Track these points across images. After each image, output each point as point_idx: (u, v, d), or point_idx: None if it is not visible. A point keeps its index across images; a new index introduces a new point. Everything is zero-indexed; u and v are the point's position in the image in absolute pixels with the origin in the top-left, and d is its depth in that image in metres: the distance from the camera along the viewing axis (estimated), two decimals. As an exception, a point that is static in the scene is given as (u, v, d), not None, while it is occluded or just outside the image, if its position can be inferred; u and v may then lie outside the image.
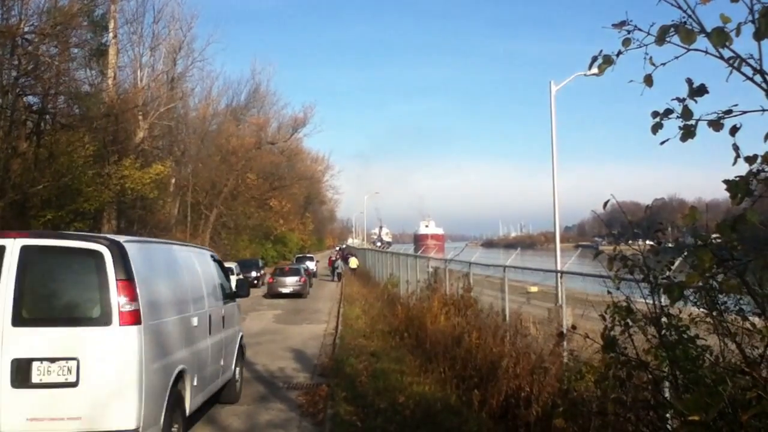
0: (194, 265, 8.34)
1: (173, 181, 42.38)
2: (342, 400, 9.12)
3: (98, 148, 26.80)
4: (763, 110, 2.58)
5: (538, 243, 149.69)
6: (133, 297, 5.83)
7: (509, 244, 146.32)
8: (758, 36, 2.46)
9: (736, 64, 2.57)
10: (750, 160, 2.67)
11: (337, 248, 73.56)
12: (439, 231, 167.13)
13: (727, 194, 2.65)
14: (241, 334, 10.38)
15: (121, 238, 6.25)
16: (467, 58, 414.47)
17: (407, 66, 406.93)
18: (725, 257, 2.81)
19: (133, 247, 6.21)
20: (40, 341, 5.65)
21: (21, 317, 5.71)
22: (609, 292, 3.86)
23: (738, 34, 2.51)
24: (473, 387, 8.59)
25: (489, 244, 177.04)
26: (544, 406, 7.07)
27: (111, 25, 31.68)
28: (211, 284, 8.78)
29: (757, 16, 2.43)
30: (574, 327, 4.99)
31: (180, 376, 6.75)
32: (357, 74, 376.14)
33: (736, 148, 2.71)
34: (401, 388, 9.41)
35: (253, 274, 34.22)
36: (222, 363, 8.75)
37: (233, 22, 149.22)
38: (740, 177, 2.64)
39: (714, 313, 3.37)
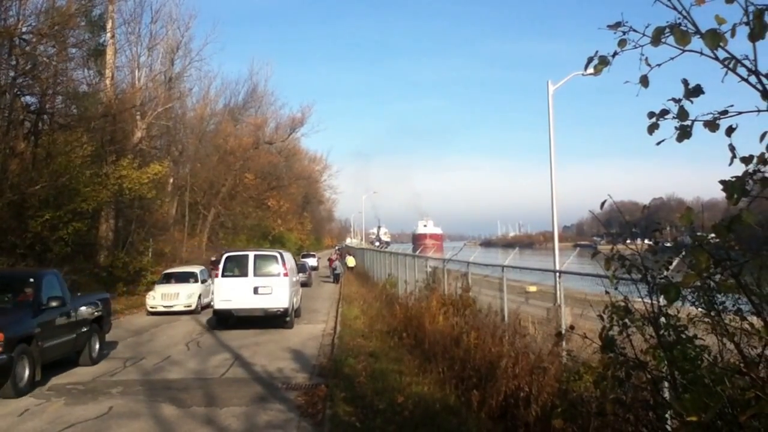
0: (292, 258, 21.68)
1: (171, 180, 42.33)
2: (341, 400, 9.13)
3: (96, 148, 26.71)
4: (759, 111, 2.58)
5: (537, 242, 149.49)
6: (286, 268, 18.46)
7: (508, 244, 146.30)
8: (753, 37, 2.46)
9: (731, 65, 2.57)
10: (746, 160, 2.67)
11: (337, 248, 73.58)
12: (438, 230, 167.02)
13: (723, 192, 2.65)
14: (301, 289, 22.96)
15: (281, 251, 20.26)
16: (465, 58, 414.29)
17: (405, 65, 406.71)
18: (722, 257, 2.81)
19: (284, 253, 19.83)
20: (260, 281, 18.00)
21: (255, 274, 18.17)
22: (607, 292, 3.86)
23: (733, 35, 2.51)
24: (472, 387, 8.59)
25: (487, 244, 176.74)
26: (543, 406, 7.08)
27: (109, 25, 31.56)
28: (295, 266, 22.40)
29: (751, 17, 2.44)
30: (572, 327, 4.99)
31: (295, 294, 19.58)
32: (355, 74, 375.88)
33: (732, 148, 2.71)
34: (400, 389, 9.41)
35: None
36: (299, 296, 21.15)
37: (231, 22, 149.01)
38: (736, 177, 2.64)
39: (712, 313, 3.37)
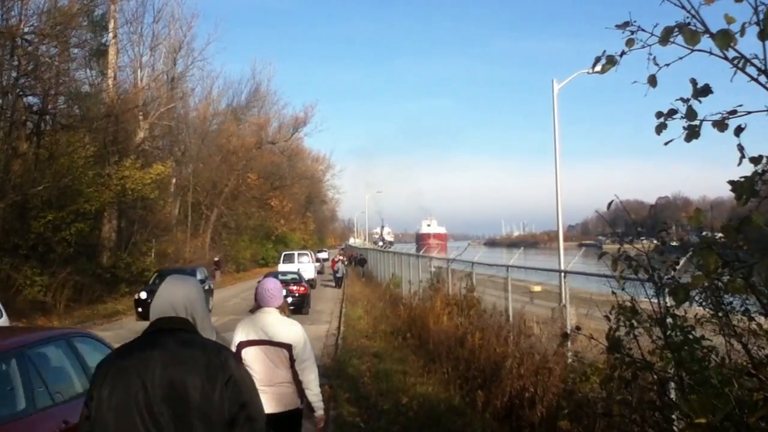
0: (314, 254, 46.44)
1: (174, 181, 42.36)
2: (345, 401, 9.12)
3: (99, 148, 26.72)
4: (769, 110, 2.56)
5: (541, 242, 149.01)
6: (313, 259, 39.64)
7: (512, 243, 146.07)
8: (763, 36, 2.43)
9: (740, 65, 2.54)
10: (755, 160, 2.65)
11: (342, 247, 74.06)
12: (442, 230, 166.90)
13: (732, 192, 2.63)
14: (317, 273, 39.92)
15: (310, 250, 47.01)
16: (469, 57, 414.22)
17: (410, 64, 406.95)
18: (730, 259, 2.79)
19: (311, 251, 45.98)
20: (300, 265, 34.56)
21: (298, 262, 36.40)
22: (613, 293, 3.83)
23: (742, 34, 2.48)
24: (477, 388, 8.58)
25: (492, 244, 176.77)
26: (548, 407, 7.05)
27: (111, 25, 31.56)
28: (314, 258, 41.86)
29: (761, 16, 2.41)
30: (578, 327, 4.96)
31: (318, 274, 40.46)
32: (358, 73, 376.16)
33: (741, 148, 2.68)
34: (404, 389, 9.40)
35: None
36: (317, 274, 39.05)
37: (233, 21, 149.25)
38: (745, 178, 2.62)
39: (719, 314, 3.35)
